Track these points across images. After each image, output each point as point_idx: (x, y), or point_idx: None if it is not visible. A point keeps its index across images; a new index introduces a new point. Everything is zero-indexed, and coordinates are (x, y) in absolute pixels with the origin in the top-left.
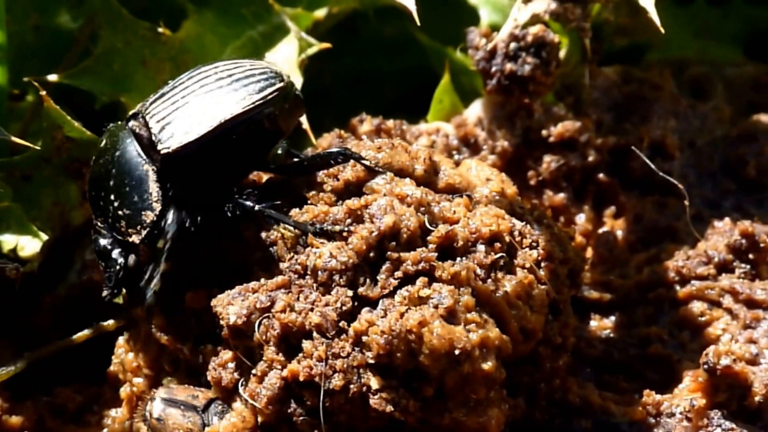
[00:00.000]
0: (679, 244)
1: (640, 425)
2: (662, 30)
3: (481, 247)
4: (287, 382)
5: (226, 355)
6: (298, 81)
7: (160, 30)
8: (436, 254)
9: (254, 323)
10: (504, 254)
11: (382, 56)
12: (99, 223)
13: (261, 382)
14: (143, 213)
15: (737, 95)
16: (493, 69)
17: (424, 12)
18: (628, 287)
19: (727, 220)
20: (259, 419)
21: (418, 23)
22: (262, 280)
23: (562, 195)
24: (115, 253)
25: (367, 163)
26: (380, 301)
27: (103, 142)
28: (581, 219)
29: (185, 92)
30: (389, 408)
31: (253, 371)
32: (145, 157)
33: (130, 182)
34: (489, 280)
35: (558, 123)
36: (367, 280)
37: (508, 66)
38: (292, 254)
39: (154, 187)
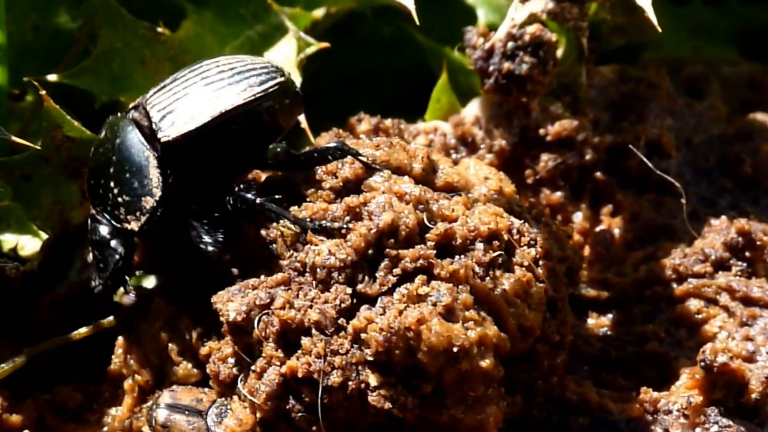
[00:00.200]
0: (675, 242)
1: (638, 422)
2: (659, 29)
3: (479, 245)
4: (286, 378)
5: (227, 349)
6: (296, 80)
7: (160, 30)
8: (435, 252)
9: (254, 320)
10: (502, 252)
11: (380, 56)
12: (97, 212)
13: (260, 378)
14: (143, 199)
15: (733, 94)
16: (491, 68)
17: (422, 12)
18: (625, 285)
19: (723, 218)
20: (258, 415)
21: (418, 23)
22: (262, 277)
23: (559, 193)
24: (114, 243)
25: (364, 159)
26: (379, 299)
27: (103, 132)
28: (578, 217)
29: (186, 84)
30: (387, 405)
31: (253, 367)
32: (146, 143)
33: (130, 168)
34: (487, 278)
35: (555, 122)
36: (366, 278)
37: (506, 65)
38: (291, 252)
39: (155, 173)
